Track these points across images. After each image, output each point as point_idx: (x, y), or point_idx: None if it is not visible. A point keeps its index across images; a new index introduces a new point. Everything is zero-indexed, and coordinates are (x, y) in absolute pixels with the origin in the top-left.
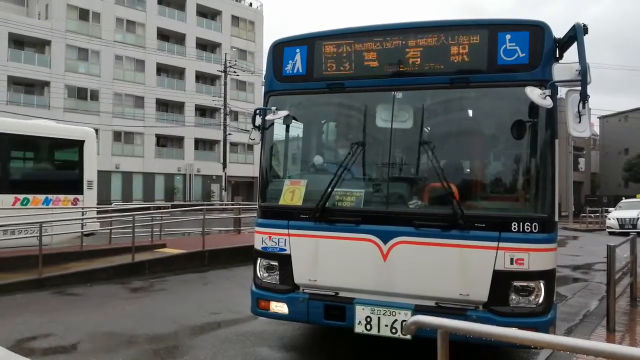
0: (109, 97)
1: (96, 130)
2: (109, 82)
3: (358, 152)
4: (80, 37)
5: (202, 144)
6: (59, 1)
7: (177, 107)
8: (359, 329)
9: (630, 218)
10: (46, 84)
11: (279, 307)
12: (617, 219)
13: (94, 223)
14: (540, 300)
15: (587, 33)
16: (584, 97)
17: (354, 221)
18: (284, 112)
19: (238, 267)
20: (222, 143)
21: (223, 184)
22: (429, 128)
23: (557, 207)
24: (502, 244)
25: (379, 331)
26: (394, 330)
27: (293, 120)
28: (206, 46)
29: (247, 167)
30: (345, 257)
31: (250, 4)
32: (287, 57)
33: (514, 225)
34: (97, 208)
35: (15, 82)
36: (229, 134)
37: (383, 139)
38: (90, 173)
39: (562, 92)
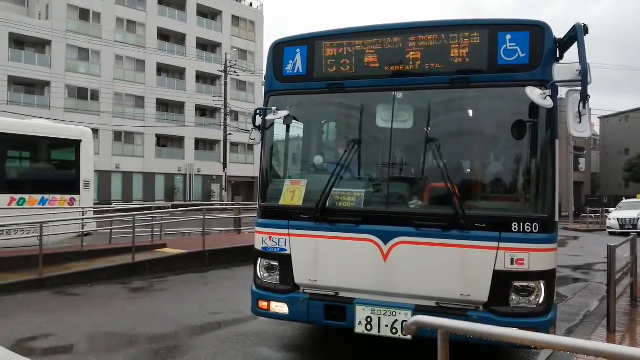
0: (110, 97)
1: (96, 130)
2: (110, 82)
3: (358, 152)
4: (80, 37)
5: (202, 144)
6: (60, 1)
7: (177, 107)
8: (360, 329)
9: (630, 218)
10: (47, 84)
11: (280, 307)
12: (617, 219)
13: (91, 223)
14: (541, 300)
15: (587, 33)
16: (584, 97)
17: (354, 221)
18: (285, 112)
19: (238, 267)
20: (222, 143)
21: (223, 184)
22: (429, 128)
23: (558, 207)
24: (502, 244)
25: (379, 331)
26: (394, 331)
27: (293, 121)
28: (206, 46)
29: (248, 167)
30: (346, 258)
31: (251, 4)
32: (287, 57)
33: (515, 225)
34: (95, 208)
35: (16, 82)
36: (230, 134)
37: (383, 139)
38: (87, 173)
39: (562, 92)
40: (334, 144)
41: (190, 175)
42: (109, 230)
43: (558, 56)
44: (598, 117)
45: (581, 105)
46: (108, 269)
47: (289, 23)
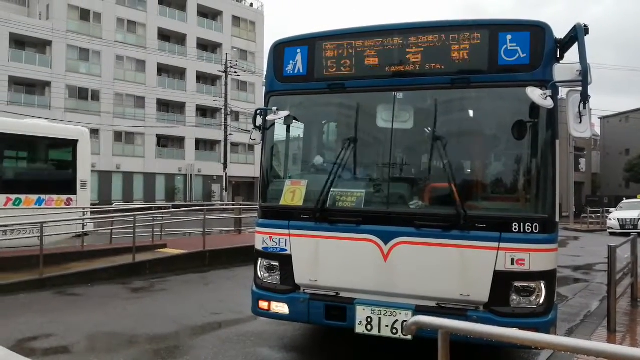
0: (110, 98)
1: (97, 131)
2: (110, 82)
3: (359, 152)
4: (81, 37)
5: (203, 145)
6: (60, 1)
7: (178, 108)
8: (360, 329)
9: (631, 219)
10: (47, 84)
11: (280, 308)
12: (618, 219)
13: (88, 223)
14: (541, 300)
15: (587, 33)
16: (584, 98)
17: (354, 221)
18: (285, 113)
19: (239, 268)
20: (223, 143)
21: (224, 184)
22: (429, 128)
23: (558, 208)
24: (502, 245)
25: (379, 331)
26: (394, 331)
27: (294, 121)
28: (207, 46)
29: (248, 168)
30: (346, 258)
31: (251, 5)
32: (287, 58)
33: (515, 225)
34: (93, 208)
35: (17, 83)
36: (230, 134)
37: (384, 139)
38: (84, 173)
39: (562, 92)
40: (334, 144)
41: (191, 175)
42: (110, 231)
43: (558, 56)
44: (598, 118)
45: (581, 105)
46: (109, 269)
47: (289, 23)
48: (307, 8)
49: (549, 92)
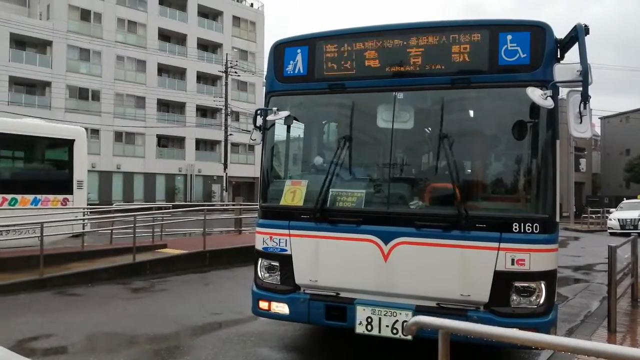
0: (110, 98)
1: (97, 131)
2: (110, 82)
3: (359, 152)
4: (81, 37)
5: (203, 145)
6: (61, 2)
7: (178, 108)
8: (360, 329)
9: (631, 219)
10: (47, 84)
11: (280, 308)
12: (618, 219)
13: (82, 225)
14: (541, 300)
15: (588, 33)
16: (585, 98)
17: (354, 222)
18: (285, 113)
19: (239, 268)
20: (223, 143)
21: (224, 185)
22: (429, 128)
23: (558, 208)
24: (503, 245)
25: (379, 332)
26: (395, 331)
27: (294, 121)
28: (207, 47)
29: (248, 168)
30: (346, 258)
31: (252, 5)
32: (288, 58)
33: (515, 225)
34: (91, 209)
35: (17, 83)
36: (230, 135)
37: (384, 139)
38: (80, 173)
39: (563, 92)
40: (334, 145)
41: (191, 175)
42: (110, 231)
43: (559, 56)
44: (599, 118)
45: (582, 105)
46: (109, 269)
47: (289, 23)
48: (307, 8)
49: (549, 92)
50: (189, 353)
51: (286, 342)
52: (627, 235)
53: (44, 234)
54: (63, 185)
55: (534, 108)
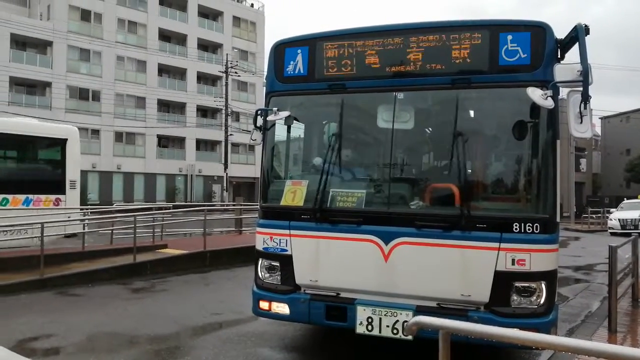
0: (111, 98)
1: (98, 131)
2: (111, 82)
3: (359, 152)
4: (82, 37)
5: (203, 145)
6: (61, 2)
7: (178, 108)
8: (361, 329)
9: (632, 219)
10: (48, 84)
11: (280, 308)
12: (618, 219)
13: (77, 225)
14: (542, 301)
15: (588, 33)
16: (585, 98)
17: (355, 222)
18: (286, 113)
19: (239, 268)
20: (223, 144)
21: (224, 185)
22: (430, 129)
23: (559, 208)
24: (503, 245)
25: (380, 332)
26: (395, 331)
27: (294, 121)
28: (207, 47)
29: (249, 168)
30: (347, 258)
31: (252, 5)
32: (288, 58)
33: (516, 226)
34: (93, 209)
35: (17, 83)
36: (231, 135)
37: (384, 139)
38: (73, 173)
39: (563, 92)
40: (335, 145)
41: (191, 175)
42: (110, 231)
43: (559, 57)
44: (599, 118)
45: (582, 105)
46: (109, 270)
47: (290, 24)
48: (307, 8)
49: (549, 93)
50: (189, 353)
51: (287, 342)
52: (628, 235)
53: (35, 235)
54: (55, 185)
55: (535, 108)
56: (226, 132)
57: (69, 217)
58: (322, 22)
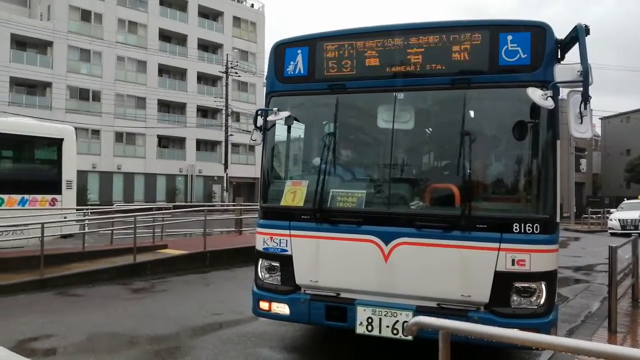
0: (111, 98)
1: (98, 131)
2: (111, 83)
3: (359, 153)
4: (82, 38)
5: (203, 145)
6: (61, 2)
7: (178, 108)
8: (361, 329)
9: (632, 219)
10: (48, 84)
11: (280, 308)
12: (618, 220)
13: (73, 226)
14: (542, 301)
15: (588, 34)
16: (585, 98)
17: (355, 222)
18: (286, 113)
19: (239, 268)
20: (223, 144)
21: (224, 185)
22: (430, 129)
23: (559, 208)
24: (503, 245)
25: (380, 332)
26: (395, 331)
27: (294, 121)
28: (208, 47)
29: (249, 168)
30: (347, 258)
31: (252, 5)
32: (288, 58)
33: (516, 226)
34: (81, 209)
35: (18, 83)
36: (231, 135)
37: (384, 139)
38: (69, 172)
39: (563, 92)
40: (335, 145)
41: (192, 176)
42: (111, 231)
43: (559, 57)
44: (599, 118)
45: (582, 106)
46: (109, 270)
47: (290, 24)
48: (307, 8)
49: (549, 93)
50: (189, 353)
51: (287, 343)
52: (628, 235)
53: (28, 236)
54: (52, 185)
55: (535, 108)
56: (226, 132)
57: (64, 218)
58: (322, 22)
